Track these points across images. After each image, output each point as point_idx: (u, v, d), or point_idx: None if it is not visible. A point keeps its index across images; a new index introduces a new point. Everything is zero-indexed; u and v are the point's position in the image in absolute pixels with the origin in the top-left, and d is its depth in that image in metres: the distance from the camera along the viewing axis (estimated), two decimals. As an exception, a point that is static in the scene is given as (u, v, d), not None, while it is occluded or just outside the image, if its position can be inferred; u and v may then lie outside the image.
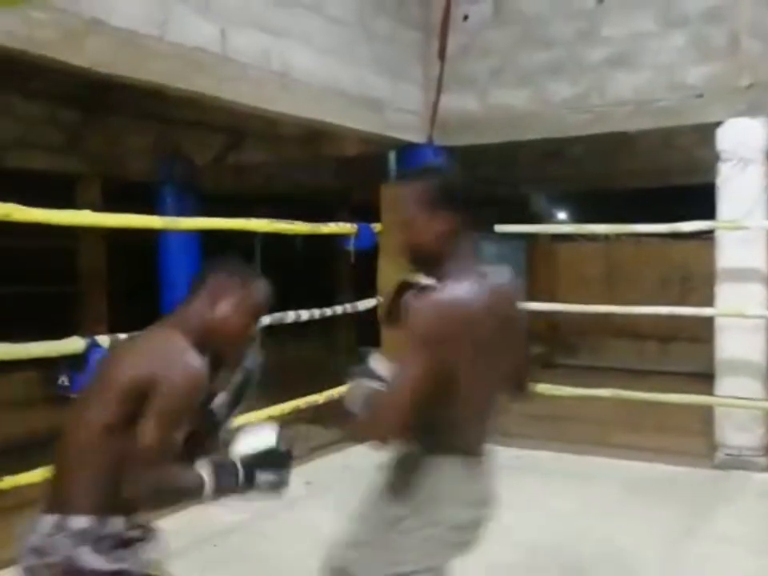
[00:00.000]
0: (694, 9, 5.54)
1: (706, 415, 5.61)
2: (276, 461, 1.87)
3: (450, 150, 6.31)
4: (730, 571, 3.71)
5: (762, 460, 5.30)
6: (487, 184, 10.05)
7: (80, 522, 1.77)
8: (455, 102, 6.36)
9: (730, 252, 5.38)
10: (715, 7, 5.46)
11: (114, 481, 1.74)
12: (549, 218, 12.18)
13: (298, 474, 2.06)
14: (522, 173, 10.19)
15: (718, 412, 5.48)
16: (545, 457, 5.68)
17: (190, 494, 1.82)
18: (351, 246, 5.87)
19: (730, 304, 5.33)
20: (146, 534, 1.89)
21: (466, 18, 6.32)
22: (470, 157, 6.12)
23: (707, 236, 5.64)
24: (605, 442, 5.91)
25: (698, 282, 5.67)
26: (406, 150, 6.28)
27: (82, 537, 1.76)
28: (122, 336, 3.44)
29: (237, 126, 7.12)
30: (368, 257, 5.92)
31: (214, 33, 4.43)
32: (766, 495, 4.85)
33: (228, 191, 9.47)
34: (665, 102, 5.61)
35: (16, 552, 1.82)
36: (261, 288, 2.01)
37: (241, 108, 4.84)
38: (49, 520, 1.79)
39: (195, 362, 1.80)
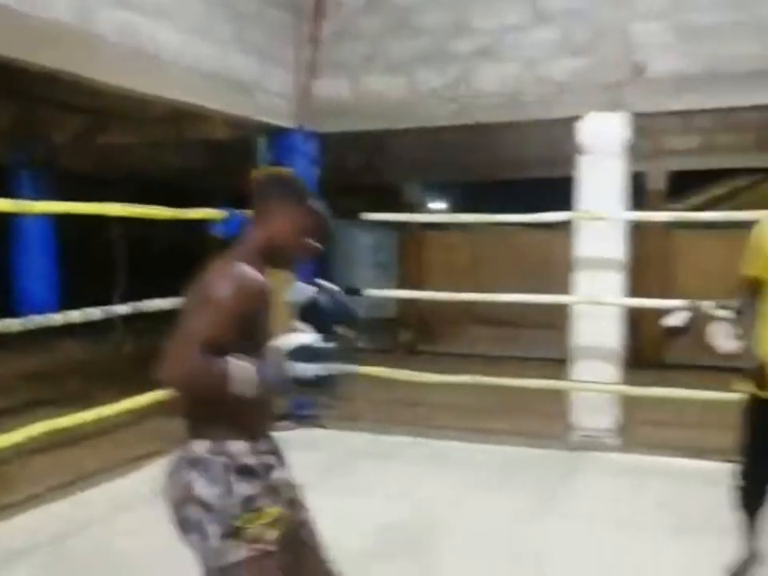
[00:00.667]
0: (559, 5, 5.71)
1: (563, 399, 5.83)
2: (317, 354, 1.88)
3: (322, 137, 6.26)
4: (580, 546, 3.85)
5: (614, 441, 5.56)
6: (360, 172, 10.10)
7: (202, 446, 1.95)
8: (327, 88, 6.31)
9: (587, 242, 5.59)
10: (578, 4, 5.65)
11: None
12: (423, 208, 12.34)
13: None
14: (396, 161, 10.27)
15: (574, 396, 5.70)
16: (404, 442, 5.74)
17: (235, 386, 1.82)
18: (219, 233, 5.72)
19: (587, 292, 5.55)
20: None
21: (338, 2, 6.27)
22: (343, 144, 6.10)
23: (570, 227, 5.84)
24: (465, 427, 6.05)
25: (559, 270, 5.85)
26: (277, 136, 6.18)
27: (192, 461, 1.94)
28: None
29: (101, 106, 6.79)
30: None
31: (73, 6, 4.18)
32: (617, 474, 5.07)
33: (93, 174, 9.05)
34: (529, 95, 5.76)
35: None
36: (315, 207, 2.15)
37: (102, 87, 4.60)
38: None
39: (246, 273, 1.93)
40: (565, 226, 5.89)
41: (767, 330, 3.07)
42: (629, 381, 5.73)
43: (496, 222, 8.22)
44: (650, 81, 5.47)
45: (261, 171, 2.24)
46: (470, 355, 9.16)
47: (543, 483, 4.82)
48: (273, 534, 1.95)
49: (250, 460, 1.97)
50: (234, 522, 1.90)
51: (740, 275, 3.25)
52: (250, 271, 1.94)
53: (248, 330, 1.91)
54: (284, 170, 2.36)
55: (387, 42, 6.21)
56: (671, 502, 4.48)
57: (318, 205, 2.16)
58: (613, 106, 5.52)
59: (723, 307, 4.90)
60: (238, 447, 1.96)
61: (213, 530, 1.89)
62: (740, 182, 9.41)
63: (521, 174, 9.84)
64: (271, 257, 2.06)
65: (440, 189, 13.12)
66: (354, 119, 6.30)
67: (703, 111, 6.13)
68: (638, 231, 9.08)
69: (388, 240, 10.77)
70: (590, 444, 5.52)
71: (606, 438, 5.56)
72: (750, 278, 3.20)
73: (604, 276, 5.53)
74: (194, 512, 1.91)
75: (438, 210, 13.89)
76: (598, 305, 5.47)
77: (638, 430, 5.78)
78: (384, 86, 6.20)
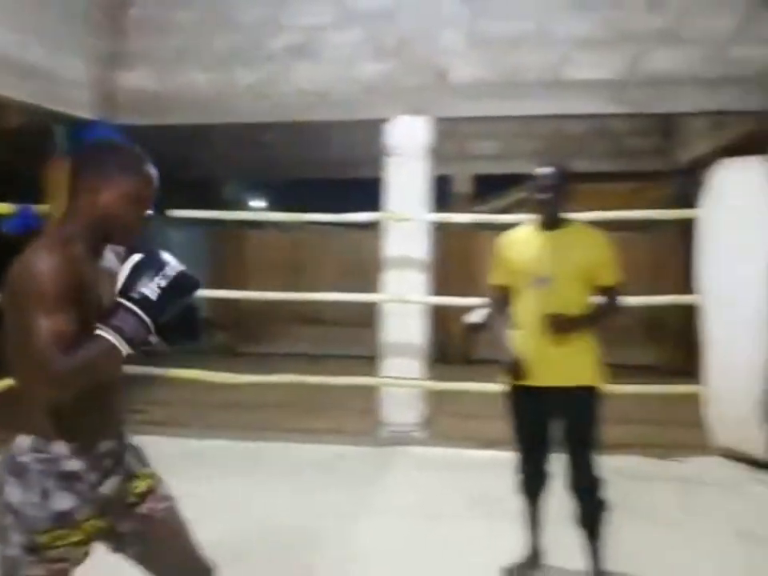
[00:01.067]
0: (367, 7, 5.80)
1: (375, 396, 5.94)
2: (153, 268, 1.79)
3: (133, 130, 5.98)
4: (393, 540, 3.93)
5: (421, 434, 5.74)
6: (177, 168, 9.77)
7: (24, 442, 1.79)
8: (136, 80, 6.06)
9: (394, 242, 5.73)
10: (386, 7, 5.78)
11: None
12: (243, 205, 12.17)
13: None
14: (214, 158, 10.05)
15: (383, 392, 5.83)
16: (220, 446, 5.62)
17: (109, 359, 1.73)
18: (10, 229, 5.33)
19: (394, 291, 5.69)
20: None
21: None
22: (158, 138, 5.85)
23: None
24: (279, 427, 6.02)
25: (373, 270, 5.97)
26: (78, 127, 5.84)
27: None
28: None
29: None
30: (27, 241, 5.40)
31: None
32: (424, 467, 5.22)
33: None
34: (341, 95, 5.82)
35: None
36: (145, 173, 1.93)
37: None
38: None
39: (42, 259, 1.72)
40: (377, 226, 6.01)
41: (518, 330, 3.30)
42: (437, 376, 5.93)
43: (312, 221, 8.26)
44: (452, 87, 5.70)
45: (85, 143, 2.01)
46: (291, 355, 9.11)
47: (357, 479, 4.87)
48: (80, 553, 1.84)
49: (76, 465, 1.81)
50: (39, 537, 1.76)
51: (488, 284, 3.49)
52: (56, 252, 1.75)
53: (82, 310, 1.75)
54: (108, 140, 2.28)
55: (201, 35, 6.06)
56: (478, 491, 4.67)
57: (148, 170, 1.95)
58: (417, 110, 5.69)
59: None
60: (62, 449, 1.79)
61: (16, 539, 1.76)
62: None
63: (334, 173, 9.96)
64: (105, 232, 1.88)
65: (261, 187, 13.00)
66: (165, 113, 6.08)
67: (502, 118, 6.47)
68: (443, 232, 9.54)
69: (201, 238, 10.50)
70: (399, 439, 5.66)
71: (413, 432, 5.72)
72: (496, 287, 3.45)
73: (410, 275, 5.70)
74: (2, 517, 1.77)
75: (258, 208, 13.74)
76: (404, 303, 5.63)
77: (444, 423, 5.99)
78: (198, 80, 6.04)
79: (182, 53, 6.06)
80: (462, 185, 9.69)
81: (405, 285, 5.68)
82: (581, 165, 9.50)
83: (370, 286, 6.10)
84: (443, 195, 9.40)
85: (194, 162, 9.94)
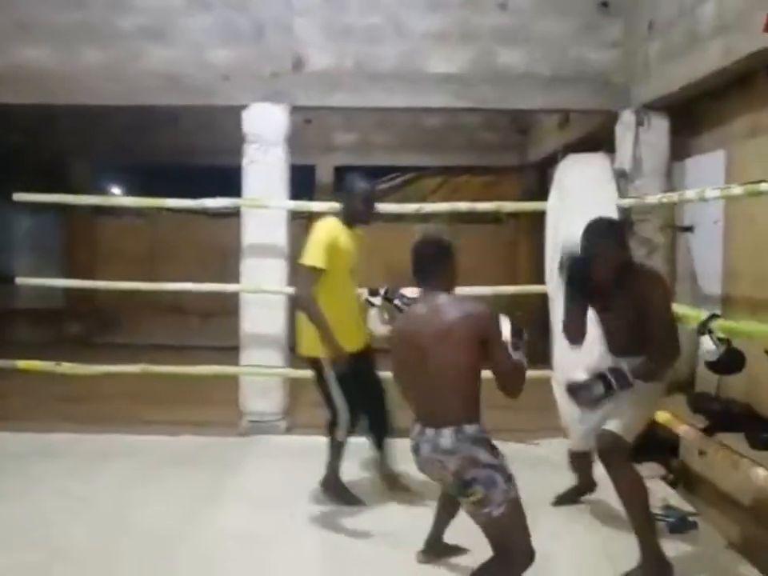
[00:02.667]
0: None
1: (237, 386, 5.88)
2: None
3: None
4: (248, 527, 3.92)
5: (281, 423, 5.74)
6: (22, 151, 9.26)
7: (472, 429, 2.79)
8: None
9: (253, 230, 5.69)
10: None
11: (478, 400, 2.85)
12: (97, 191, 11.65)
13: None
14: (63, 141, 9.60)
15: (243, 381, 5.78)
16: (71, 440, 5.41)
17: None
18: None
19: (254, 280, 5.65)
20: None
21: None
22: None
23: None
24: (136, 419, 5.87)
25: (234, 258, 5.88)
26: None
27: (475, 440, 2.77)
28: None
29: None
30: None
31: None
32: (286, 455, 5.21)
33: None
34: (195, 80, 5.70)
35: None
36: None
37: None
38: (448, 432, 2.77)
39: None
40: (237, 214, 5.94)
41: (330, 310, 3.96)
42: (298, 365, 5.96)
43: (169, 208, 8.06)
44: (309, 75, 5.72)
45: None
46: (151, 346, 8.81)
47: (218, 470, 4.78)
48: None
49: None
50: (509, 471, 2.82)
51: (304, 265, 4.00)
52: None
53: None
54: None
55: (44, 11, 5.76)
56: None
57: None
58: (275, 98, 5.66)
59: (374, 294, 5.30)
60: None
61: (499, 478, 2.75)
62: (400, 178, 10.22)
63: (190, 160, 9.75)
64: None
65: (117, 173, 12.46)
66: (4, 91, 5.74)
67: (360, 109, 6.55)
68: (310, 222, 9.53)
69: (51, 226, 10.01)
70: (259, 428, 5.64)
71: (274, 421, 5.72)
72: (313, 269, 3.97)
73: (269, 264, 5.67)
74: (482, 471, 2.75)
75: (114, 194, 13.18)
76: (263, 293, 5.61)
77: (304, 412, 6.02)
78: (41, 58, 5.74)
79: (24, 28, 5.75)
80: (324, 175, 9.75)
81: (264, 274, 5.64)
82: (437, 159, 9.86)
83: (231, 275, 6.02)
84: (308, 185, 9.44)
85: (40, 146, 9.47)
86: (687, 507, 4.17)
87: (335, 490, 4.26)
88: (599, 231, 3.50)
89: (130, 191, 13.02)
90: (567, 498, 4.22)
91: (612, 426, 3.38)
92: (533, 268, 8.94)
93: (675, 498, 4.29)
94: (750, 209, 4.55)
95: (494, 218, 9.63)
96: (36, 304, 9.46)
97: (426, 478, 3.06)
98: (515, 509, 2.78)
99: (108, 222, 10.19)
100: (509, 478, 2.78)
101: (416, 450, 2.89)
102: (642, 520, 3.32)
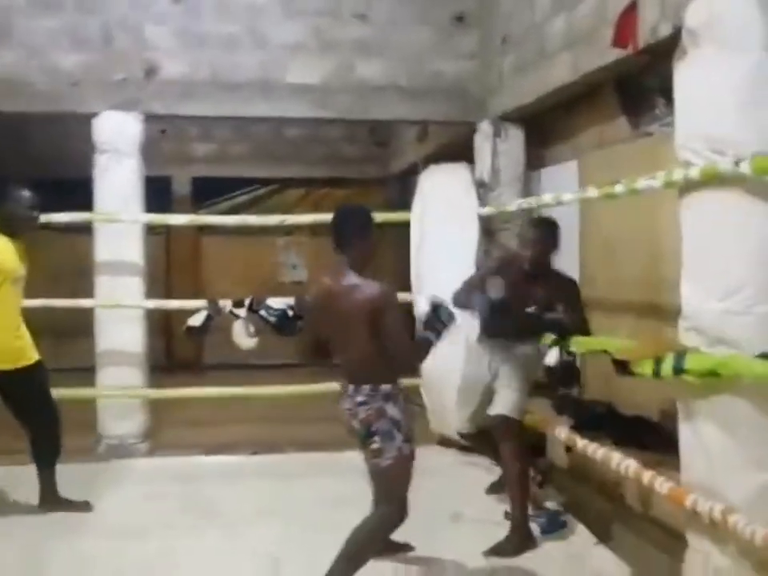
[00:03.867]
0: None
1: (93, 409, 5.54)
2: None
3: None
4: (114, 560, 3.70)
5: (143, 446, 5.47)
6: None
7: (386, 387, 3.07)
8: None
9: (107, 244, 5.42)
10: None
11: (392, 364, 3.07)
12: None
13: None
14: None
15: (101, 403, 5.46)
16: None
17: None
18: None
19: (109, 295, 5.37)
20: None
21: None
22: None
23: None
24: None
25: (88, 275, 5.55)
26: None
27: (386, 396, 3.07)
28: None
29: None
30: None
31: None
32: (148, 479, 4.97)
33: None
34: (39, 85, 5.36)
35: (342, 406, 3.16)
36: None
37: None
38: (366, 388, 3.07)
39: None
40: (89, 228, 5.62)
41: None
42: (165, 383, 5.71)
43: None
44: (163, 83, 5.52)
45: None
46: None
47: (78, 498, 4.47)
48: None
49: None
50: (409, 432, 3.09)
51: None
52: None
53: None
54: None
55: None
56: (193, 500, 4.56)
57: None
58: (127, 106, 5.42)
59: (239, 305, 5.16)
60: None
61: (398, 435, 3.03)
62: (260, 191, 10.08)
63: (34, 171, 9.16)
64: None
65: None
66: None
67: (215, 119, 6.39)
68: (170, 236, 9.21)
69: None
70: (119, 451, 5.35)
71: (135, 443, 5.44)
72: None
73: (124, 279, 5.41)
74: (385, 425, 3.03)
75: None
76: (118, 308, 5.33)
77: (169, 432, 5.77)
78: None
79: None
80: (182, 186, 9.46)
81: (119, 289, 5.38)
82: (298, 170, 9.79)
83: (84, 292, 5.68)
84: (163, 197, 9.10)
85: None
86: (556, 507, 4.29)
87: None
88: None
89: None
90: (499, 486, 4.40)
91: (500, 408, 3.87)
92: (396, 277, 9.05)
93: (544, 499, 4.41)
94: (600, 215, 4.79)
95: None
96: None
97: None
98: (404, 465, 3.07)
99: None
100: (407, 438, 3.06)
101: (339, 402, 3.18)
102: (517, 491, 3.80)
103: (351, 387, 3.09)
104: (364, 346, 3.01)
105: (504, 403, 3.88)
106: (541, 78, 4.85)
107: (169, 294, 7.25)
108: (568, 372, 3.91)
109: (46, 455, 4.28)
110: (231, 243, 9.35)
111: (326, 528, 3.91)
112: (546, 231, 3.96)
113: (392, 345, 2.98)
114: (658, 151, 3.94)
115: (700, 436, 2.88)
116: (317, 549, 3.56)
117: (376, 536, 3.13)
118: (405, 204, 9.19)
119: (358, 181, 9.95)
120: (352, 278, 3.04)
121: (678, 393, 3.03)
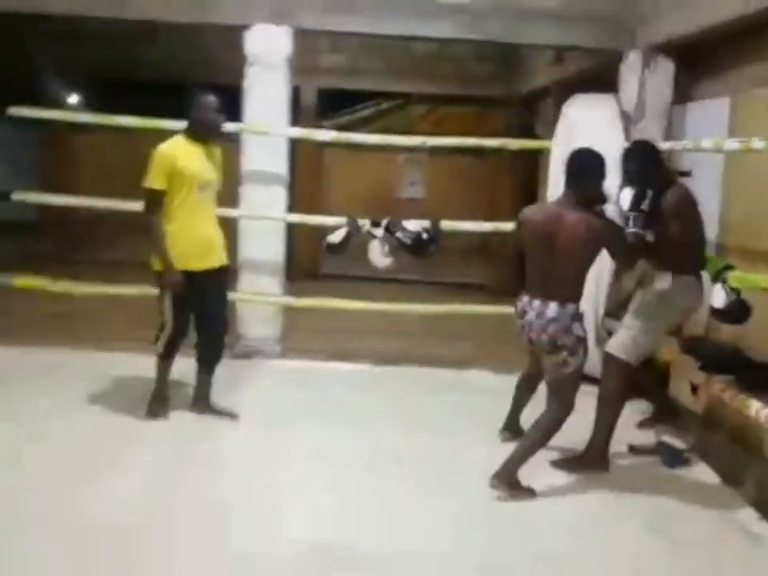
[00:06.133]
0: None
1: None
2: None
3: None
4: (253, 446, 4.07)
5: (276, 348, 5.81)
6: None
7: (572, 308, 3.55)
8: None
9: (254, 156, 5.60)
10: None
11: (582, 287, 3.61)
12: (66, 105, 11.25)
13: None
14: (33, 52, 9.17)
15: (240, 306, 5.76)
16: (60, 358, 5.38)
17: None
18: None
19: (254, 206, 5.59)
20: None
21: None
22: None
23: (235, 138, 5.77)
24: (136, 339, 5.79)
25: (231, 183, 5.79)
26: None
27: (573, 316, 3.54)
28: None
29: None
30: None
31: None
32: (280, 379, 5.32)
33: None
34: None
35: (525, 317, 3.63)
36: None
37: None
38: (553, 305, 3.53)
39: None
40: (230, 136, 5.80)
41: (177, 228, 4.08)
42: (289, 291, 5.98)
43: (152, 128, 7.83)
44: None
45: None
46: (121, 262, 8.65)
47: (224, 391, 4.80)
48: None
49: None
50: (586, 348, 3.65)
51: (147, 188, 4.07)
52: None
53: None
54: None
55: None
56: (327, 398, 4.92)
57: None
58: (278, 19, 5.50)
59: (376, 225, 5.32)
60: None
61: (581, 351, 3.59)
62: (383, 105, 10.10)
63: (184, 77, 9.42)
64: None
65: (83, 85, 12.00)
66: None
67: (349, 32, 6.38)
68: (292, 146, 9.38)
69: (28, 140, 9.68)
70: (254, 352, 5.69)
71: (268, 346, 5.77)
72: (150, 190, 4.05)
73: (269, 191, 5.62)
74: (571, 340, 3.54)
75: (80, 106, 12.73)
76: (264, 219, 5.57)
77: (297, 337, 6.08)
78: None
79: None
80: (308, 98, 9.56)
81: (265, 201, 5.60)
82: (421, 86, 9.72)
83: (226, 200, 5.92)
84: (291, 107, 9.22)
85: (8, 57, 9.05)
86: (679, 444, 4.39)
87: (154, 400, 4.34)
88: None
89: (103, 104, 12.60)
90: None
91: (609, 346, 4.01)
92: (515, 203, 9.02)
93: (667, 435, 4.49)
94: (744, 158, 4.67)
95: (479, 151, 9.61)
96: (9, 216, 9.22)
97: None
98: (577, 375, 3.64)
99: (86, 137, 9.87)
100: (585, 352, 3.61)
101: (522, 314, 3.64)
102: (607, 415, 3.92)
103: (537, 302, 3.57)
104: (573, 269, 3.53)
105: (614, 341, 4.00)
106: (706, 10, 4.67)
107: (293, 205, 7.37)
108: (742, 310, 3.83)
109: (210, 359, 4.41)
110: (352, 156, 9.49)
111: (447, 433, 4.27)
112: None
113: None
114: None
115: None
116: (434, 449, 4.05)
117: (550, 429, 3.64)
118: (526, 129, 9.11)
119: (481, 99, 9.82)
120: (579, 211, 3.53)
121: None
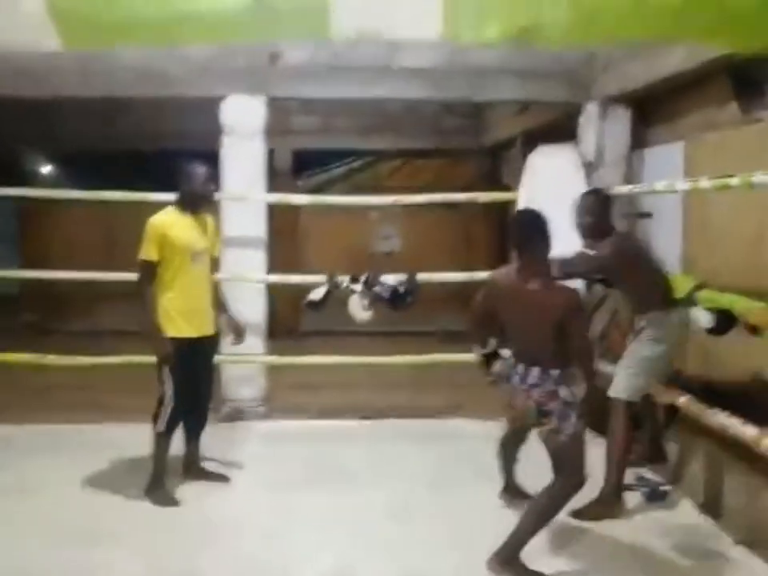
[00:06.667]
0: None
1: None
2: None
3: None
4: (242, 510, 4.14)
5: (261, 409, 5.89)
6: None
7: (556, 372, 3.37)
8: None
9: (234, 221, 5.77)
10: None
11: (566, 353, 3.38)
12: (41, 176, 11.41)
13: None
14: (8, 129, 9.36)
15: (223, 368, 5.82)
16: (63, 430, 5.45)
17: None
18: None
19: (236, 269, 5.71)
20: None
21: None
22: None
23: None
24: (117, 409, 5.87)
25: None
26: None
27: (557, 380, 3.36)
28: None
29: None
30: None
31: None
32: (268, 439, 5.42)
33: None
34: (172, 72, 5.68)
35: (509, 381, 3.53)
36: None
37: None
38: (536, 371, 3.39)
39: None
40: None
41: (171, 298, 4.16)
42: (269, 350, 6.08)
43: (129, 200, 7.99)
44: (285, 69, 5.79)
45: None
46: (102, 332, 8.76)
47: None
48: None
49: None
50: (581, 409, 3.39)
51: (141, 260, 4.15)
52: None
53: None
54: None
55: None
56: (318, 458, 4.99)
57: None
58: (252, 90, 5.73)
59: (355, 280, 5.46)
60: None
61: (572, 414, 3.36)
62: (356, 162, 10.36)
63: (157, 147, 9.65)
64: None
65: (59, 158, 12.15)
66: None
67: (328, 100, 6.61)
68: (269, 208, 9.54)
69: (6, 215, 9.80)
70: (240, 414, 5.78)
71: (254, 407, 5.86)
72: (144, 262, 4.13)
73: (249, 254, 5.78)
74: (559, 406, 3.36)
75: (57, 180, 12.86)
76: (245, 281, 5.71)
77: (281, 396, 6.16)
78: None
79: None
80: (283, 160, 9.80)
81: (246, 263, 5.75)
82: (393, 141, 10.01)
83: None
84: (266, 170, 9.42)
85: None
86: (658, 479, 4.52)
87: (154, 483, 4.27)
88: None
89: (79, 177, 12.76)
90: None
91: (610, 389, 4.15)
92: (487, 251, 9.25)
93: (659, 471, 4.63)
94: (704, 199, 4.90)
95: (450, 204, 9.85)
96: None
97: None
98: (578, 441, 3.41)
99: (61, 210, 9.97)
100: (580, 416, 3.38)
101: (507, 378, 3.55)
102: (618, 458, 4.06)
103: (521, 366, 3.47)
104: (543, 338, 3.34)
105: (612, 386, 4.17)
106: (653, 64, 4.94)
107: (271, 265, 7.51)
108: (729, 321, 4.03)
109: (197, 426, 4.50)
110: (327, 215, 9.67)
111: (445, 488, 4.29)
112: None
113: (576, 346, 3.35)
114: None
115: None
116: (438, 506, 4.05)
117: (557, 504, 3.40)
118: (494, 178, 9.37)
119: (452, 151, 10.09)
120: (540, 280, 3.36)
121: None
